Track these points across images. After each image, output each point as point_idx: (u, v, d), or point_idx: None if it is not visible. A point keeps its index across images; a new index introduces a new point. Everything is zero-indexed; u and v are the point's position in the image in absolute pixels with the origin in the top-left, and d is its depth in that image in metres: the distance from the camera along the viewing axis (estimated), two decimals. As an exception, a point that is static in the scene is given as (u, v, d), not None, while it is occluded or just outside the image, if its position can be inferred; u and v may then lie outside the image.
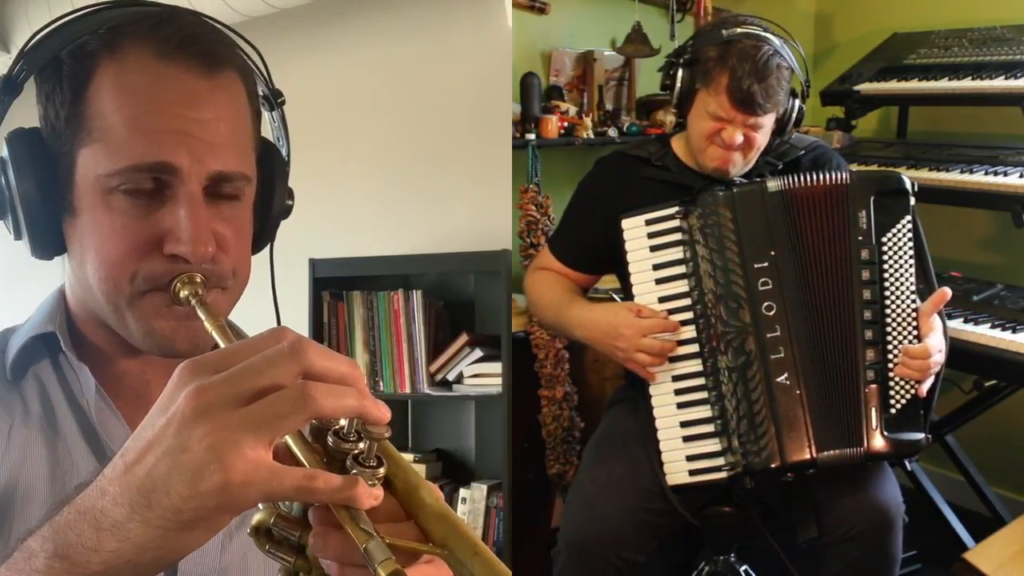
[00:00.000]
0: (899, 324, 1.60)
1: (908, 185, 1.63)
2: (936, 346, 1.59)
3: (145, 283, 0.73)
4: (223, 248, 0.75)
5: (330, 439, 0.56)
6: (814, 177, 1.66)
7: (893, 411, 1.59)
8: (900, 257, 1.61)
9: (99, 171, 0.72)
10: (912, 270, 1.61)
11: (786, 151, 1.83)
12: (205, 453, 0.49)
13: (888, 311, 1.60)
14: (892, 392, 1.60)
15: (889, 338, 1.59)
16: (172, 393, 0.53)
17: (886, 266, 1.60)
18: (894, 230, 1.61)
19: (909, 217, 1.62)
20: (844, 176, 1.64)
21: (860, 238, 1.60)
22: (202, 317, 0.70)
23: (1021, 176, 2.17)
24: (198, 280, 0.72)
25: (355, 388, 0.54)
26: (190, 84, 0.72)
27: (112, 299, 0.74)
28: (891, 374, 1.59)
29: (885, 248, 1.61)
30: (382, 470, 0.55)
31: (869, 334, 1.60)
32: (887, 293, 1.60)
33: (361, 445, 0.55)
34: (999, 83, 2.36)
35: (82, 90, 0.72)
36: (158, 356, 0.78)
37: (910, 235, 1.62)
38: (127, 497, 0.51)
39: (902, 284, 1.61)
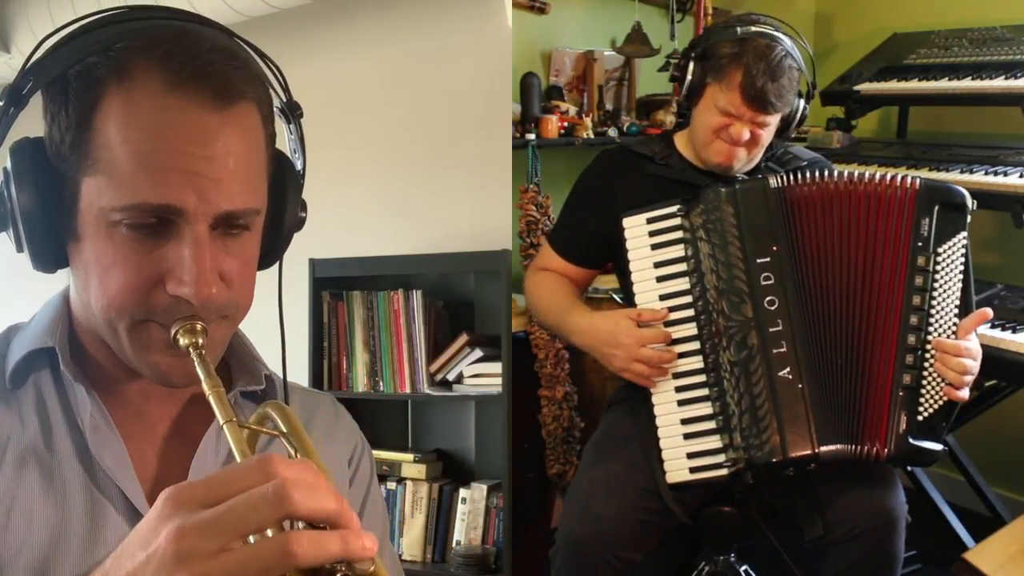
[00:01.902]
0: (940, 334, 1.59)
1: (968, 201, 1.64)
2: (973, 352, 1.58)
3: (145, 316, 0.73)
4: (228, 282, 0.74)
5: None
6: (865, 176, 1.64)
7: (920, 418, 1.59)
8: (951, 271, 1.61)
9: (103, 203, 0.70)
10: (959, 285, 1.61)
11: (789, 160, 1.85)
12: None
13: (931, 320, 1.59)
14: (923, 399, 1.59)
15: (928, 346, 1.59)
16: (155, 526, 0.53)
17: (937, 276, 1.60)
18: (950, 243, 1.61)
19: (965, 233, 1.63)
20: (912, 180, 1.63)
21: (919, 244, 1.60)
22: (201, 375, 0.69)
23: (1021, 176, 2.17)
24: (198, 328, 0.72)
25: (340, 531, 0.54)
26: (199, 119, 0.70)
27: (113, 326, 0.74)
28: (924, 380, 1.59)
29: (940, 259, 1.60)
30: None
31: (912, 339, 1.59)
32: (933, 303, 1.59)
33: (344, 567, 0.56)
34: (999, 83, 2.36)
35: (88, 117, 0.70)
36: (155, 384, 0.78)
37: (963, 251, 1.62)
38: None
39: (948, 297, 1.61)
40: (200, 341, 0.71)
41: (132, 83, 0.70)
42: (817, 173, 1.67)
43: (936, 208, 1.61)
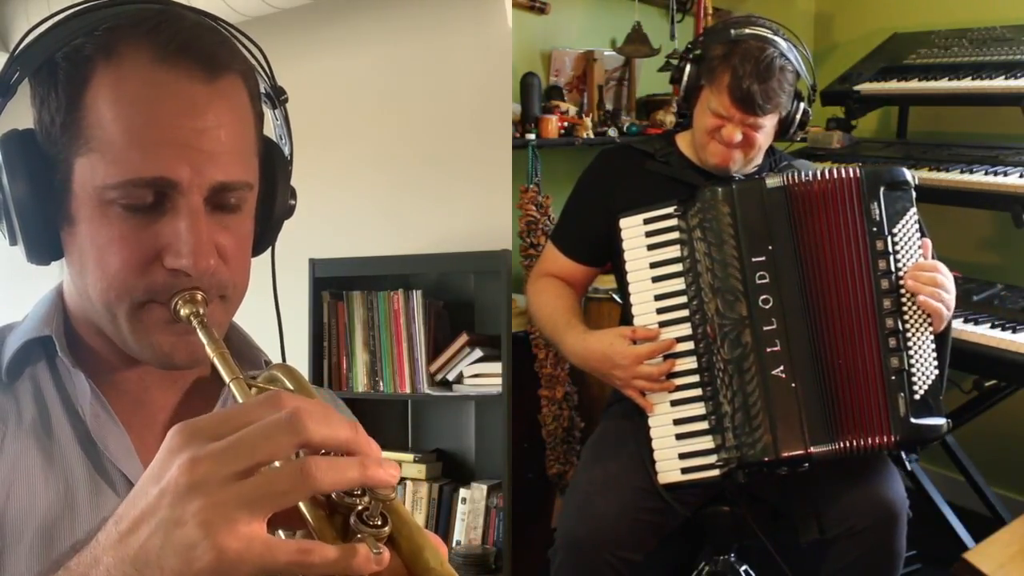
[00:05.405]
0: (915, 311, 1.60)
1: (909, 177, 1.65)
2: (942, 269, 1.60)
3: (145, 295, 0.72)
4: (224, 259, 0.74)
5: (334, 493, 0.55)
6: (819, 174, 1.66)
7: (917, 397, 1.59)
8: (910, 248, 1.63)
9: (96, 182, 0.70)
10: (921, 259, 1.63)
11: (789, 170, 1.85)
12: (198, 529, 0.48)
13: (903, 299, 1.60)
14: (915, 377, 1.60)
15: (907, 325, 1.60)
16: (166, 460, 0.51)
17: (899, 256, 1.61)
18: (902, 222, 1.63)
19: (914, 209, 1.64)
20: (853, 171, 1.64)
21: (875, 229, 1.61)
22: (203, 340, 0.68)
23: (1021, 176, 2.17)
24: (199, 299, 0.71)
25: (358, 456, 0.53)
26: (189, 91, 0.70)
27: (111, 310, 0.73)
28: (911, 359, 1.59)
29: (896, 239, 1.62)
30: (386, 529, 0.54)
31: (891, 323, 1.60)
32: (901, 282, 1.60)
33: (366, 499, 0.54)
34: (999, 83, 2.36)
35: (78, 97, 0.70)
36: (156, 368, 0.77)
37: (916, 226, 1.64)
38: (120, 569, 0.50)
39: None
40: (201, 310, 0.71)
41: (120, 60, 0.70)
42: (816, 173, 1.67)
43: (882, 191, 1.62)
